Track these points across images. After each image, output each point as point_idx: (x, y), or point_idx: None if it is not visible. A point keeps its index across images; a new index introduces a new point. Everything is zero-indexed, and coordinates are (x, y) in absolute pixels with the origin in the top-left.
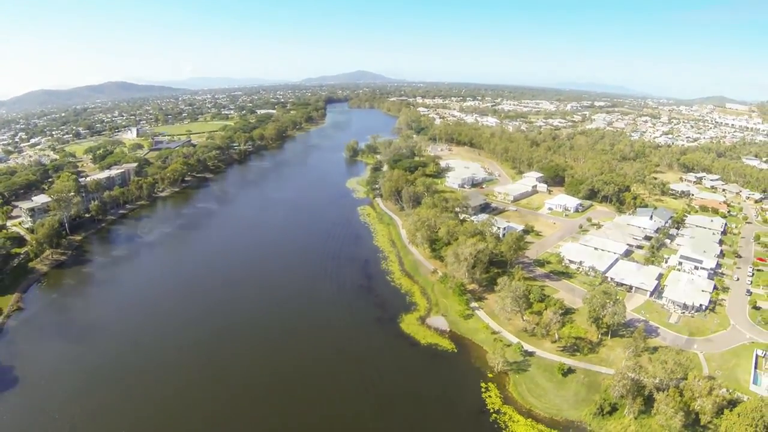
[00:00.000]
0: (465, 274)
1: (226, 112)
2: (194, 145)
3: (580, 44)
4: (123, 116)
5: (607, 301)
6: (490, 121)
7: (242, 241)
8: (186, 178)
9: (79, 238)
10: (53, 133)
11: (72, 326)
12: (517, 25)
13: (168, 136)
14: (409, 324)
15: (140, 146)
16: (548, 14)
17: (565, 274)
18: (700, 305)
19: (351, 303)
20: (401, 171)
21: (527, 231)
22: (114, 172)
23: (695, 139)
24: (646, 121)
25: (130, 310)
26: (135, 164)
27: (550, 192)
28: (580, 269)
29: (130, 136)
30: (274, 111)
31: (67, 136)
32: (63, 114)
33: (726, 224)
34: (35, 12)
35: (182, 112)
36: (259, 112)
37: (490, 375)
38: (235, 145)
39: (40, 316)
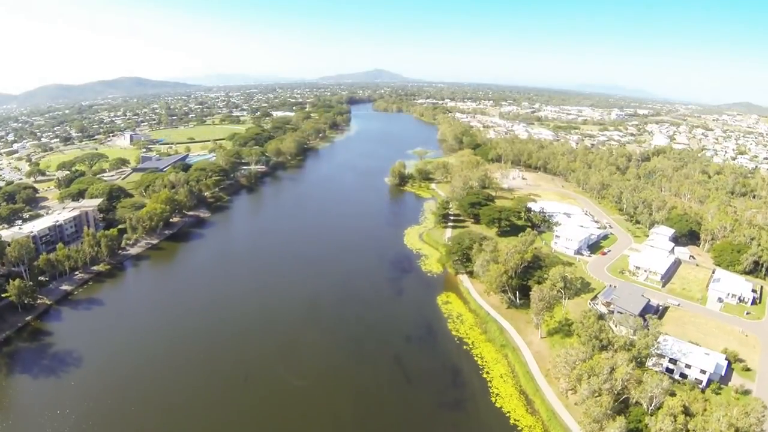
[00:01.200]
0: None
1: (238, 114)
2: (189, 166)
3: (596, 46)
4: (126, 115)
5: None
6: (544, 133)
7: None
8: (172, 220)
9: None
10: (43, 135)
11: None
12: (531, 24)
13: (165, 144)
14: None
15: (125, 161)
16: (564, 15)
17: None
18: None
19: None
20: (504, 240)
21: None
22: (65, 215)
23: None
24: (705, 135)
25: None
26: (98, 201)
27: (697, 263)
28: None
29: (122, 142)
30: (292, 113)
31: (54, 141)
32: (67, 111)
33: None
34: (52, 4)
35: (190, 112)
36: (275, 114)
37: None
38: (244, 162)
39: None
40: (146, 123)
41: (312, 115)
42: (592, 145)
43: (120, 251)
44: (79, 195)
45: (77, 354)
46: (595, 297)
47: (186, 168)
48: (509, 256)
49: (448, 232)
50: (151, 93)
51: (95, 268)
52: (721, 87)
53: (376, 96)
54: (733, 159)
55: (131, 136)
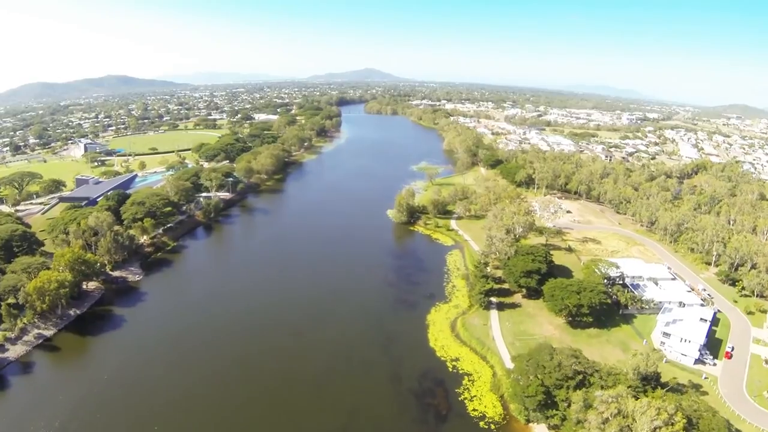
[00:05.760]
0: None
1: (217, 116)
2: (128, 196)
3: (586, 46)
4: (98, 118)
5: None
6: (563, 142)
7: None
8: (86, 286)
9: None
10: None
11: None
12: (522, 24)
13: (122, 156)
14: None
15: (60, 183)
16: (554, 15)
17: None
18: None
19: None
20: (581, 336)
21: None
22: None
23: None
24: (730, 144)
25: None
26: None
27: None
28: None
29: (77, 153)
30: (275, 117)
31: (4, 150)
32: (41, 111)
33: None
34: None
35: (165, 114)
36: (257, 117)
37: None
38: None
39: None
40: (114, 128)
41: (298, 118)
42: (623, 158)
43: None
44: None
45: None
46: None
47: (123, 200)
48: (648, 421)
49: (494, 318)
50: (135, 92)
51: None
52: (715, 88)
53: (368, 96)
54: None
55: (85, 145)
